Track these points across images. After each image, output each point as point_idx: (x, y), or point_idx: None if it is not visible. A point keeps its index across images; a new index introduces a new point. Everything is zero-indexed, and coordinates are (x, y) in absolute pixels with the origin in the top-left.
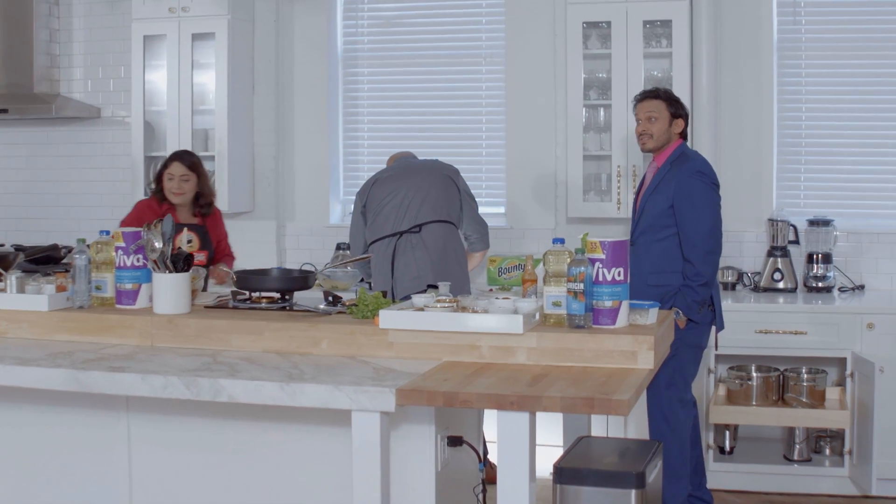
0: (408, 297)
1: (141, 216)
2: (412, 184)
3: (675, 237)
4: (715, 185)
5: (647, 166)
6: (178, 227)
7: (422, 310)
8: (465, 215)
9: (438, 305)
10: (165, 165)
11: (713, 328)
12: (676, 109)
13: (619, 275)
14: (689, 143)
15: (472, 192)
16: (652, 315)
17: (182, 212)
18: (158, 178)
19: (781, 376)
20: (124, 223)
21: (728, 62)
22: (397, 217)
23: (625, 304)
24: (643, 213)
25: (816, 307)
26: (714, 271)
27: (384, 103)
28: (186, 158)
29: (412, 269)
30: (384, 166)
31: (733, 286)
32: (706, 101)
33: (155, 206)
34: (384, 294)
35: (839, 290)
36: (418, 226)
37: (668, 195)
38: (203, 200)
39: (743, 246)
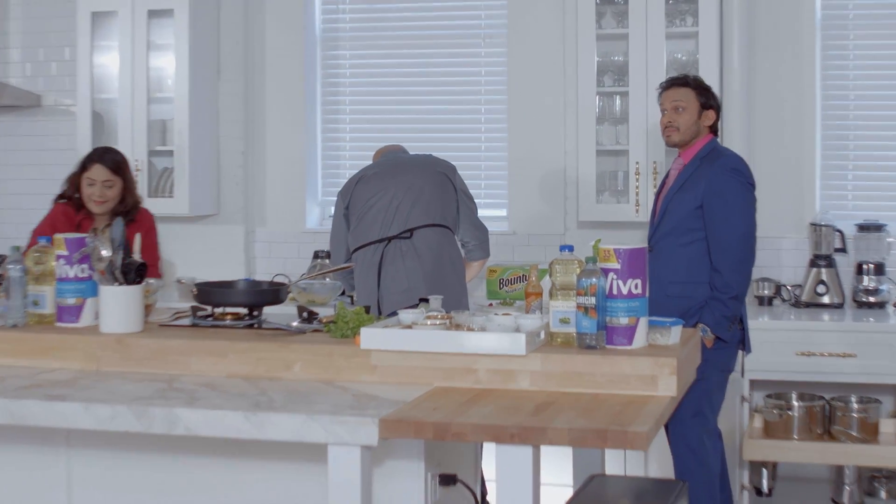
0: (395, 314)
1: (55, 224)
2: (402, 182)
3: (702, 242)
4: (751, 186)
5: (671, 163)
6: None
7: (409, 327)
8: (463, 219)
9: (429, 322)
10: (84, 167)
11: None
12: (707, 99)
13: (636, 287)
14: (718, 139)
15: (471, 192)
16: (675, 334)
17: (100, 222)
18: (75, 181)
19: (827, 406)
20: (38, 231)
21: (763, 43)
22: (385, 220)
23: (643, 322)
24: (665, 215)
25: (867, 325)
26: (746, 283)
27: (369, 91)
28: (109, 159)
29: (402, 281)
30: (370, 162)
31: (770, 301)
32: (738, 88)
33: (71, 213)
34: (367, 309)
35: (894, 305)
36: (409, 230)
37: (696, 194)
38: (124, 207)
39: (781, 254)
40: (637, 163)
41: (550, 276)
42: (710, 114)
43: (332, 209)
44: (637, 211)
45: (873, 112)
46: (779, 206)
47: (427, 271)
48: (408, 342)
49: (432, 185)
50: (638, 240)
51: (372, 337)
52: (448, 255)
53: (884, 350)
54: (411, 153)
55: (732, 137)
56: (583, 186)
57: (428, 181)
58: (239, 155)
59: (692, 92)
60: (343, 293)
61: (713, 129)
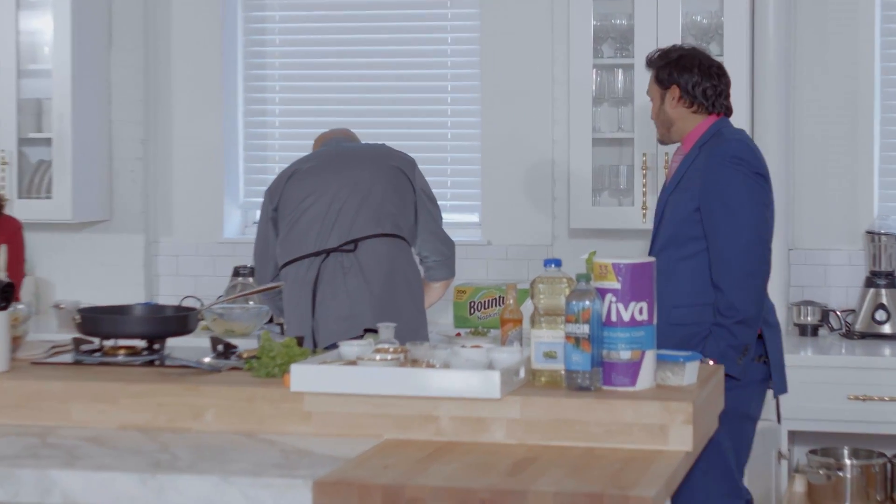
0: (334, 346)
1: None
2: (346, 179)
3: (706, 253)
4: (759, 177)
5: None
6: None
7: (354, 364)
8: (422, 227)
9: (378, 358)
10: None
11: (770, 391)
12: (661, 74)
13: (641, 312)
14: (746, 125)
15: (434, 193)
16: (691, 372)
17: None
18: None
19: (889, 465)
20: None
21: (807, 4)
22: (323, 227)
23: (650, 356)
24: (662, 222)
25: None
26: (756, 303)
27: (305, 63)
28: None
29: (342, 305)
30: (308, 153)
31: (814, 330)
32: (773, 63)
33: None
34: (300, 341)
35: None
36: (353, 241)
37: (693, 193)
38: None
39: (829, 272)
40: (644, 155)
41: (532, 298)
42: (673, 91)
43: (258, 213)
44: (644, 215)
45: None
46: (825, 210)
47: (375, 294)
48: (351, 383)
49: (384, 184)
50: (644, 252)
51: (305, 376)
52: (402, 273)
53: None
54: (361, 142)
55: (766, 125)
56: (575, 184)
57: (379, 179)
58: (137, 145)
59: (652, 74)
60: (270, 320)
61: (719, 109)
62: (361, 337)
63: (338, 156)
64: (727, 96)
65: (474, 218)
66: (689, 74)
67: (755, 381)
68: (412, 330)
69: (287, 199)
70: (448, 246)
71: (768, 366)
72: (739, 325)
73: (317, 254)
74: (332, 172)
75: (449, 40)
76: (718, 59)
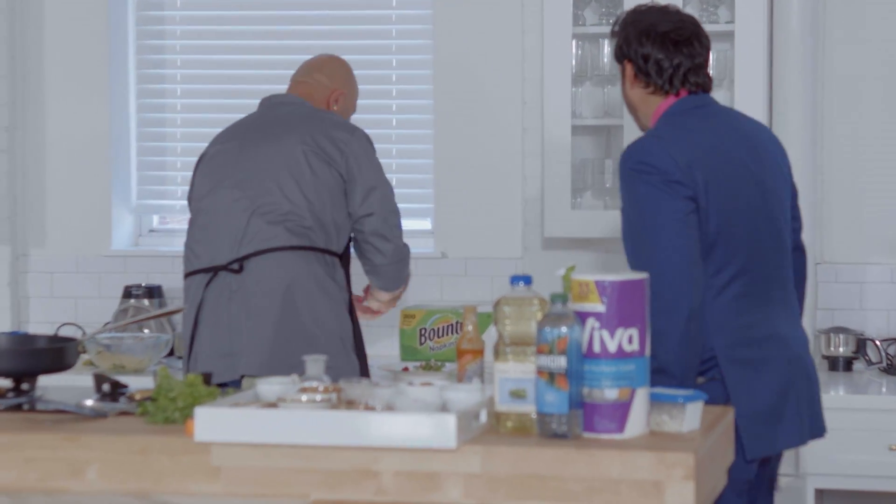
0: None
1: None
2: (244, 169)
3: None
4: (638, 174)
5: None
6: None
7: (274, 406)
8: (366, 213)
9: (304, 399)
10: None
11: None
12: (615, 47)
13: (630, 341)
14: (763, 111)
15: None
16: (692, 415)
17: None
18: None
19: None
20: None
21: None
22: (213, 237)
23: (642, 395)
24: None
25: None
26: (665, 347)
27: (211, 37)
28: None
29: (221, 340)
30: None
31: (848, 364)
32: (797, 31)
33: None
34: (207, 378)
35: None
36: (239, 260)
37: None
38: None
39: (865, 291)
40: None
41: (497, 323)
42: (627, 68)
43: (154, 219)
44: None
45: None
46: (858, 217)
47: (258, 329)
48: (270, 430)
49: (294, 170)
50: None
51: (213, 422)
52: (307, 299)
53: None
54: (302, 102)
55: (787, 110)
56: (551, 184)
57: (286, 164)
58: (1, 133)
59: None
60: (171, 353)
61: (677, 87)
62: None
63: (247, 133)
64: (695, 70)
65: (426, 225)
66: (639, 45)
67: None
68: (340, 366)
69: (193, 193)
70: (395, 244)
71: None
72: (656, 374)
73: (206, 270)
74: (233, 159)
75: (394, 4)
76: (728, 27)
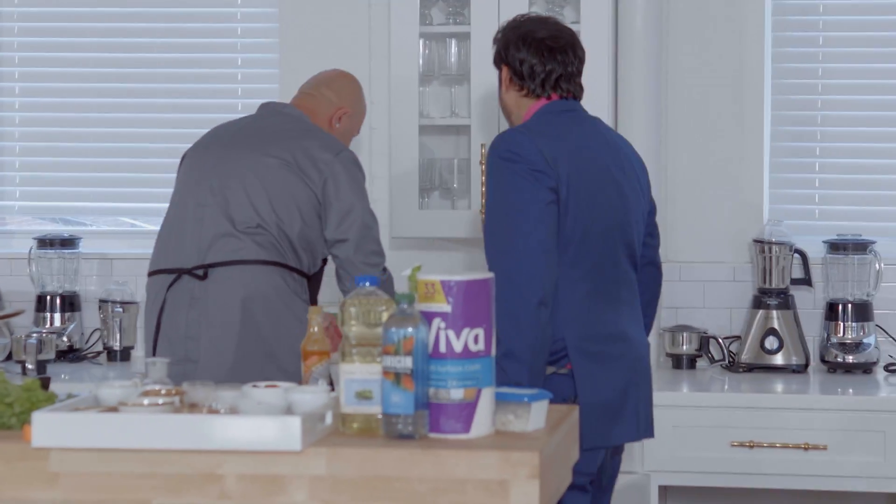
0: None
1: None
2: (221, 174)
3: None
4: (503, 161)
5: None
6: None
7: (115, 410)
8: (339, 239)
9: (146, 402)
10: None
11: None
12: (495, 52)
13: (476, 341)
14: (608, 110)
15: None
16: (537, 413)
17: None
18: None
19: None
20: None
21: None
22: (181, 238)
23: (487, 395)
24: None
25: (844, 401)
26: (514, 329)
27: (52, 31)
28: None
29: (178, 344)
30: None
31: (691, 362)
32: (644, 38)
33: None
34: (45, 383)
35: (886, 368)
36: (204, 266)
37: None
38: None
39: (708, 290)
40: (483, 146)
41: (342, 324)
42: (504, 71)
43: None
44: (482, 220)
45: (851, 69)
46: (701, 216)
47: (221, 341)
48: (110, 435)
49: (268, 183)
50: (483, 266)
51: (51, 427)
52: (271, 316)
53: (871, 439)
54: (294, 115)
55: (632, 109)
56: (397, 183)
57: (263, 174)
58: None
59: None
60: (9, 356)
61: (549, 92)
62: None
63: (235, 136)
64: (566, 77)
65: None
66: (516, 50)
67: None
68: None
69: (175, 185)
70: (376, 267)
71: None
72: (505, 358)
73: (169, 271)
74: (213, 161)
75: (239, 2)
76: (574, 27)
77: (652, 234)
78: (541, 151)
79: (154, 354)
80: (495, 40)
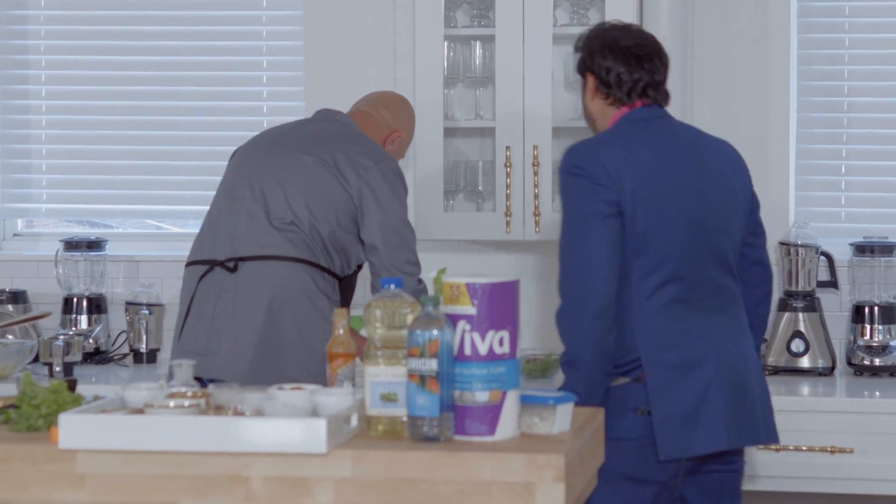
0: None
1: None
2: (261, 172)
3: None
4: (569, 175)
5: (559, 149)
6: None
7: (141, 412)
8: (372, 248)
9: (172, 404)
10: None
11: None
12: (578, 60)
13: (501, 343)
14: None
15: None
16: (563, 416)
17: None
18: None
19: None
20: None
21: None
22: (218, 231)
23: (513, 398)
24: None
25: (872, 404)
26: (576, 337)
27: (76, 34)
28: None
29: (200, 336)
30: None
31: None
32: (669, 39)
33: None
34: (72, 384)
35: None
36: (236, 259)
37: None
38: None
39: None
40: (508, 148)
41: (367, 326)
42: (588, 81)
43: (18, 223)
44: (508, 223)
45: (877, 83)
46: None
47: (243, 335)
48: (136, 436)
49: (302, 183)
50: (509, 268)
51: (77, 429)
52: (297, 314)
53: None
54: (343, 124)
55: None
56: (422, 185)
57: (301, 172)
58: None
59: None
60: (36, 359)
61: (634, 99)
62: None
63: (284, 137)
64: (653, 84)
65: None
66: (602, 58)
67: (630, 438)
68: (305, 377)
69: (220, 183)
70: (410, 274)
71: (649, 416)
72: (566, 366)
73: (203, 262)
74: (256, 159)
75: (264, 4)
76: None
77: (755, 232)
78: (603, 165)
79: (179, 343)
80: (577, 48)
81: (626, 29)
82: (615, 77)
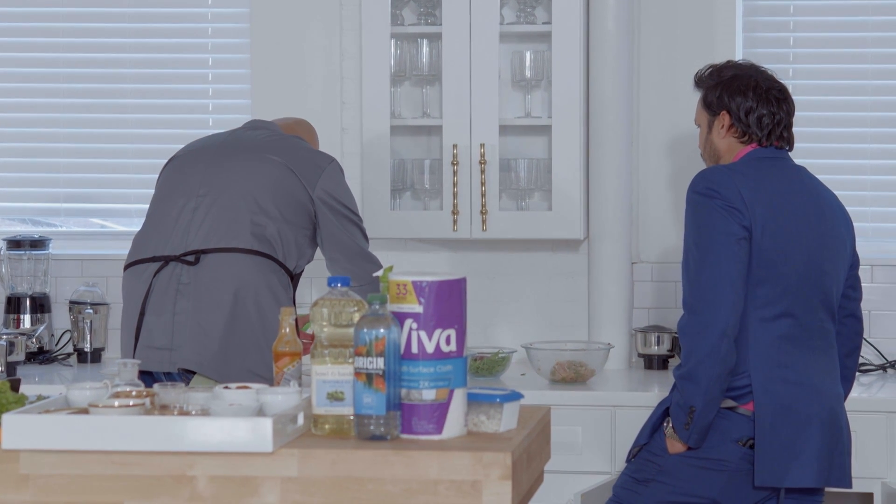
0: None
1: None
2: (212, 174)
3: None
4: (702, 196)
5: (508, 147)
6: None
7: (85, 412)
8: (329, 245)
9: (116, 404)
10: None
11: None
12: (710, 96)
13: (448, 342)
14: (580, 114)
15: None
16: (510, 414)
17: None
18: None
19: None
20: None
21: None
22: (168, 229)
23: (460, 396)
24: None
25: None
26: (698, 352)
27: (21, 31)
28: None
29: (164, 332)
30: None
31: (663, 362)
32: (615, 39)
33: None
34: (15, 385)
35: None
36: (196, 252)
37: None
38: None
39: (679, 289)
40: (455, 146)
41: (314, 325)
42: (723, 118)
43: None
44: (455, 221)
45: (820, 81)
46: (672, 216)
47: (204, 324)
48: (80, 437)
49: (258, 185)
50: (456, 266)
51: (20, 429)
52: (255, 302)
53: None
54: (280, 134)
55: (602, 118)
56: (370, 183)
57: (252, 178)
58: None
59: (700, 95)
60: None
61: (773, 141)
62: (173, 378)
63: (222, 143)
64: (788, 126)
65: None
66: (743, 98)
67: (728, 470)
68: (263, 381)
69: (157, 187)
70: (367, 272)
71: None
72: (683, 380)
73: (154, 260)
74: (202, 163)
75: (210, 2)
76: (545, 27)
77: (854, 286)
78: (739, 191)
79: (136, 342)
80: (704, 85)
81: (756, 69)
82: (756, 117)
